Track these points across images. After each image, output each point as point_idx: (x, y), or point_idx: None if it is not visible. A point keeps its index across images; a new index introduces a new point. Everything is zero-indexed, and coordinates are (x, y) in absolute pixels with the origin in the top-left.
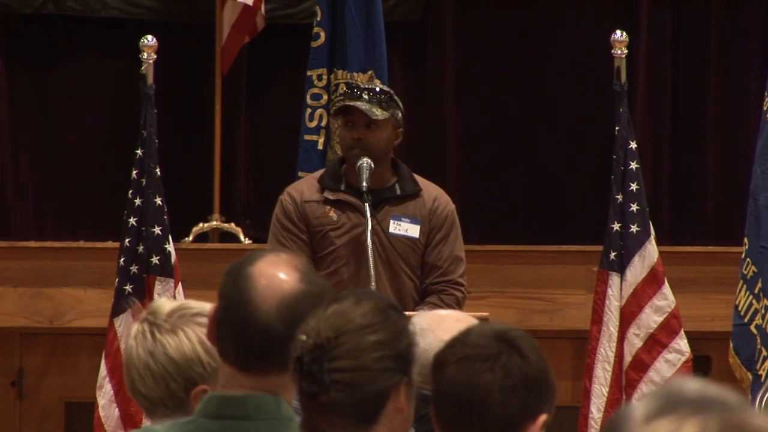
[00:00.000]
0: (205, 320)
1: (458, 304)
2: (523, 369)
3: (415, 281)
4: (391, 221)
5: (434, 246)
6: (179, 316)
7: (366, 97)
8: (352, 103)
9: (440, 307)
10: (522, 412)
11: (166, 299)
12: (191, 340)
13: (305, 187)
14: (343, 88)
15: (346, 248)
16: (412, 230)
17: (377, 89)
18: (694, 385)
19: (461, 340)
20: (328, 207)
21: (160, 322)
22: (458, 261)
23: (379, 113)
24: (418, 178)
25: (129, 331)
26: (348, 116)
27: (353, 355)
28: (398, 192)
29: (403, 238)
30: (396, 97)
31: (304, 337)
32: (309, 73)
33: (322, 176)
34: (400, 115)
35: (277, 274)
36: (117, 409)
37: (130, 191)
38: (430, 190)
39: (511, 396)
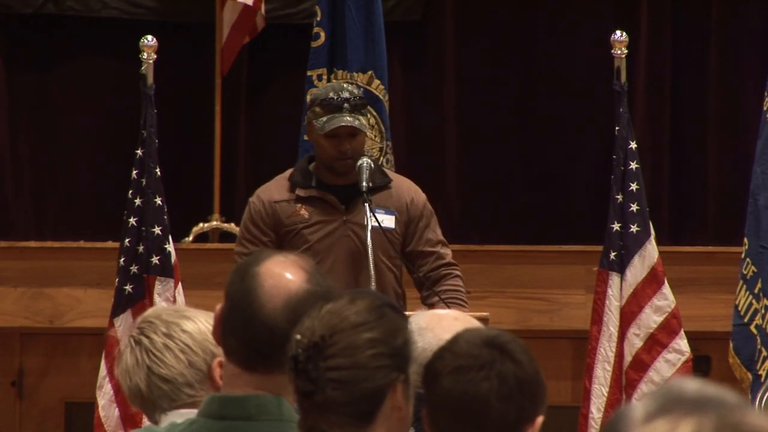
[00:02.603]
0: (202, 313)
1: (464, 283)
2: (518, 374)
3: (395, 272)
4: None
5: (420, 234)
6: (178, 310)
7: (347, 107)
8: (341, 122)
9: (455, 289)
10: (520, 417)
11: (155, 308)
12: (202, 321)
13: (274, 188)
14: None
15: (320, 245)
16: (388, 221)
17: (349, 95)
18: (693, 385)
19: (450, 349)
20: (299, 205)
21: (166, 314)
22: (444, 244)
23: (364, 121)
24: (386, 171)
25: (124, 343)
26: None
27: (348, 353)
28: (369, 185)
29: (379, 230)
30: (364, 96)
31: (298, 337)
32: (309, 73)
33: (292, 175)
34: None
35: (284, 274)
36: (117, 409)
37: (130, 191)
38: (401, 182)
39: (508, 402)
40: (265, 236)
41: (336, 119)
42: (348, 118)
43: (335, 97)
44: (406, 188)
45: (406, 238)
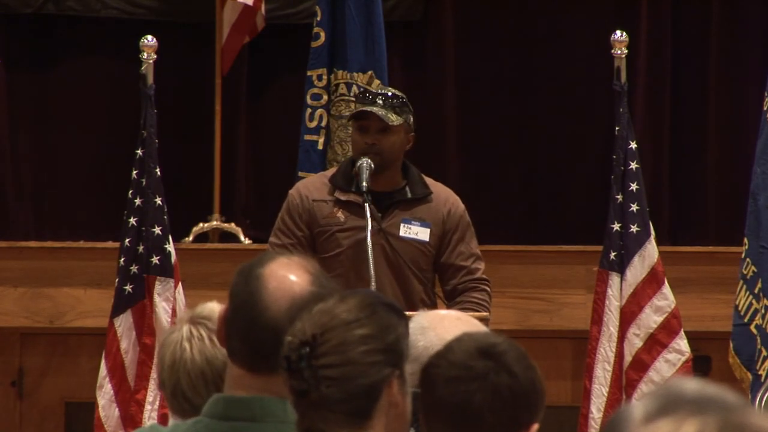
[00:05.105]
0: None
1: (490, 299)
2: (513, 386)
3: (425, 284)
4: (402, 224)
5: (454, 248)
6: None
7: (380, 102)
8: (368, 109)
9: (478, 302)
10: (514, 427)
11: (216, 303)
12: None
13: (316, 185)
14: (343, 89)
15: (353, 249)
16: (423, 233)
17: (390, 94)
18: (693, 385)
19: (445, 357)
20: (337, 207)
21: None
22: (478, 258)
23: (394, 119)
24: (428, 181)
25: (175, 328)
26: (362, 121)
27: (340, 350)
28: (409, 195)
29: (413, 242)
30: (408, 102)
31: (290, 338)
32: (309, 73)
33: (334, 175)
34: (412, 119)
35: (288, 275)
36: (117, 409)
37: (130, 191)
38: (440, 192)
39: (502, 414)
40: (300, 231)
41: (365, 107)
42: (376, 108)
43: (372, 91)
44: (444, 199)
45: (440, 249)
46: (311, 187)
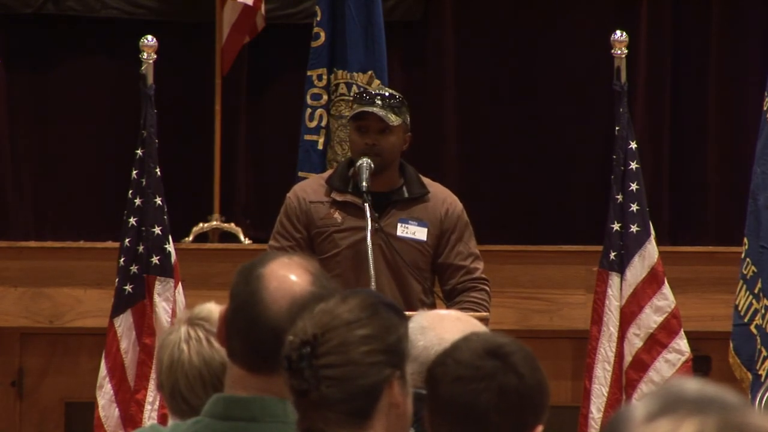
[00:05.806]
0: None
1: (490, 298)
2: (519, 388)
3: (422, 283)
4: (399, 224)
5: (452, 247)
6: None
7: (379, 102)
8: (367, 109)
9: (477, 301)
10: (519, 428)
11: (214, 304)
12: None
13: (312, 187)
14: (343, 89)
15: (351, 250)
16: (420, 233)
17: (387, 94)
18: (693, 385)
19: (452, 356)
20: (333, 208)
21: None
22: (477, 258)
23: (393, 119)
24: (426, 180)
25: (173, 329)
26: (361, 121)
27: (341, 350)
28: (406, 195)
29: (410, 241)
30: (405, 102)
31: (291, 338)
32: (309, 73)
33: (331, 177)
34: (408, 119)
35: (289, 275)
36: (117, 409)
37: (130, 191)
38: (437, 192)
39: (507, 415)
40: (298, 233)
41: (364, 107)
42: (376, 109)
43: (370, 92)
44: (441, 199)
45: (438, 249)
46: (308, 189)
